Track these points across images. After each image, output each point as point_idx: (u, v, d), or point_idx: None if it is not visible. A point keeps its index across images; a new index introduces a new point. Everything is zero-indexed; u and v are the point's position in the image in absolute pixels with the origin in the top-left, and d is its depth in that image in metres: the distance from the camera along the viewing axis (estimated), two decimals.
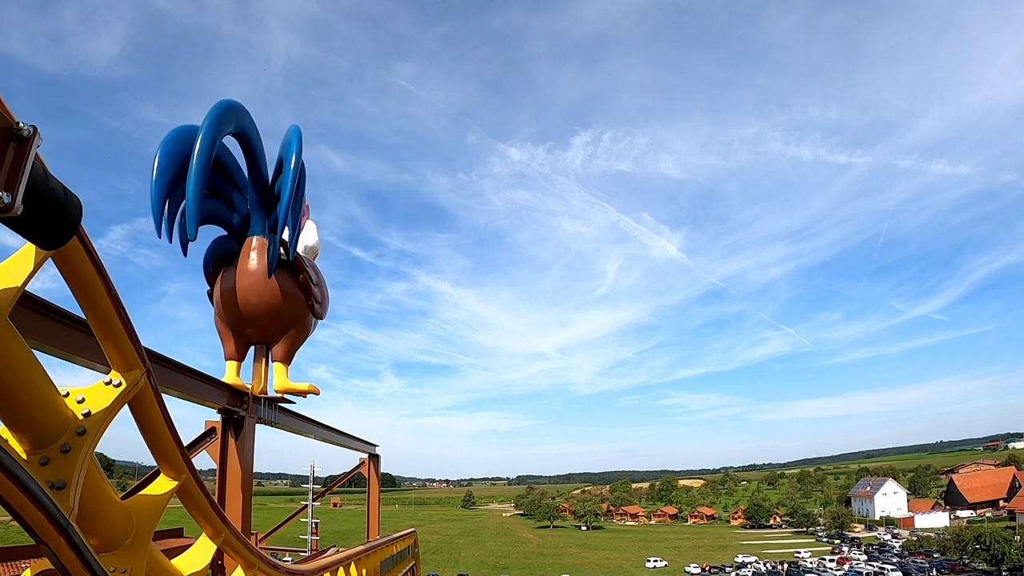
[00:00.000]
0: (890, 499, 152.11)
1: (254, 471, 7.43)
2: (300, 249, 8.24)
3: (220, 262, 7.45)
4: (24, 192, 1.51)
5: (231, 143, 6.94)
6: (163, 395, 5.21)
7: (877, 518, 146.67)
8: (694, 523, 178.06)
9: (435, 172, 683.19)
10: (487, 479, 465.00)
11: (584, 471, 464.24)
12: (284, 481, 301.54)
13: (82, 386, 2.57)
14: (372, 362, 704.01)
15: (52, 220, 1.72)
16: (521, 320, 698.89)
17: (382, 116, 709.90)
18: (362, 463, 13.95)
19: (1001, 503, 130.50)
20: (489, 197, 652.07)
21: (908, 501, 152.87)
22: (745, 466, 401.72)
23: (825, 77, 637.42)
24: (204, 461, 7.29)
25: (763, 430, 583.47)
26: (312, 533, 22.61)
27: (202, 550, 3.67)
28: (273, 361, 7.64)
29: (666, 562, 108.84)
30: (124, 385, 2.54)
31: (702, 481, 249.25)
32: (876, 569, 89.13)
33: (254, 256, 7.12)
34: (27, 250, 2.05)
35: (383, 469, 14.77)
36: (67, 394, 2.42)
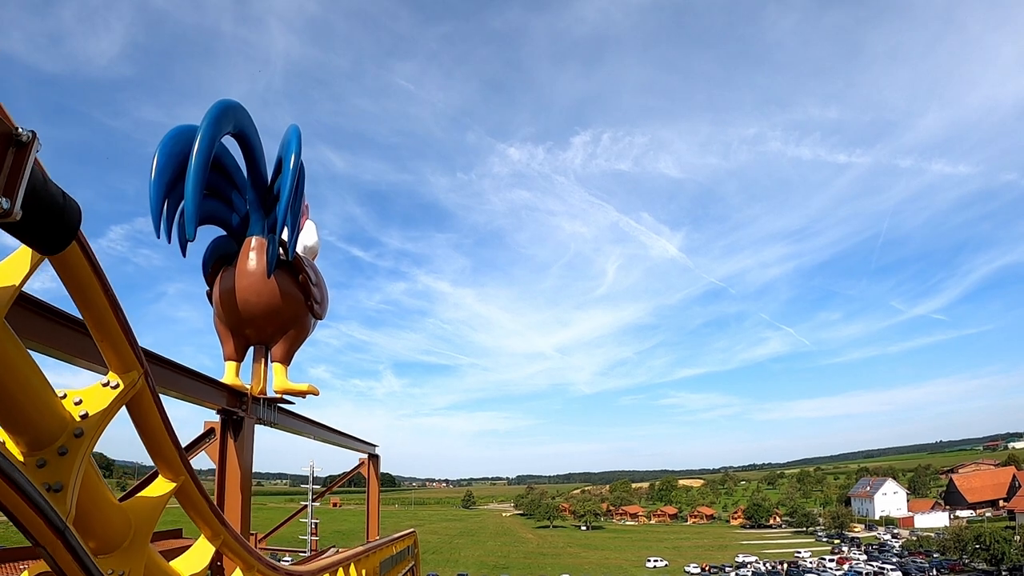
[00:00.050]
0: (890, 499, 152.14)
1: (254, 471, 7.41)
2: (299, 249, 8.22)
3: (219, 262, 7.42)
4: (23, 197, 1.51)
5: (230, 143, 6.91)
6: (162, 396, 5.21)
7: (877, 518, 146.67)
8: (694, 523, 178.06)
9: (435, 172, 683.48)
10: (487, 479, 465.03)
11: (584, 471, 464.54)
12: (284, 481, 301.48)
13: (80, 388, 2.56)
14: (372, 362, 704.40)
15: (51, 225, 1.73)
16: (521, 320, 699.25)
17: (382, 116, 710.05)
18: (362, 463, 13.94)
19: (1001, 503, 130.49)
20: (489, 197, 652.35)
21: (908, 501, 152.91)
22: (745, 466, 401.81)
23: (825, 77, 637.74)
24: (204, 460, 7.29)
25: (763, 430, 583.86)
26: (312, 533, 22.59)
27: (201, 552, 3.66)
28: (272, 361, 7.62)
29: (666, 562, 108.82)
30: (122, 387, 2.53)
31: (702, 481, 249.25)
32: (876, 569, 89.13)
33: (253, 256, 7.09)
34: (24, 250, 2.03)
35: (383, 469, 14.76)
36: (64, 396, 2.41)
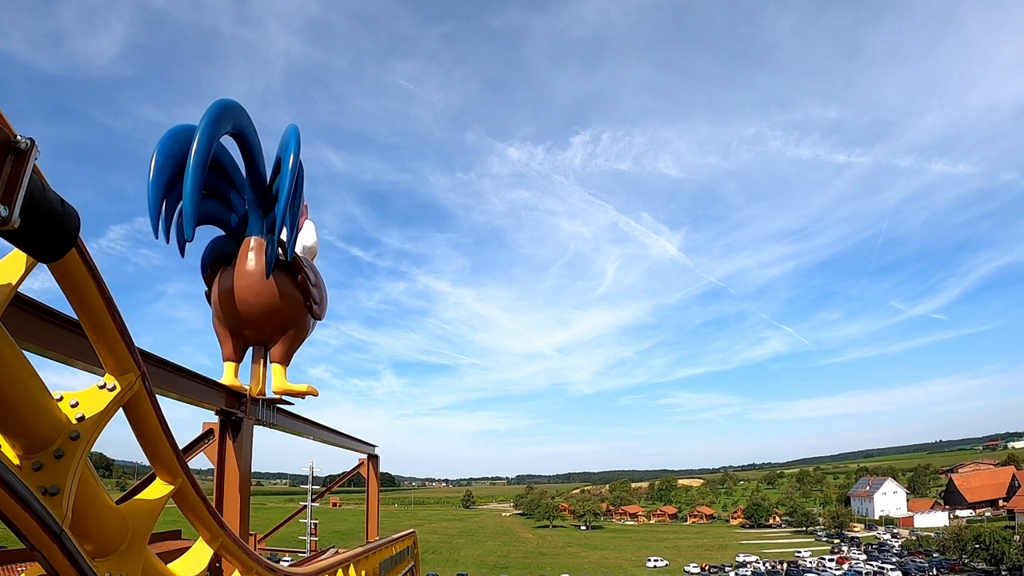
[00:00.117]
0: (889, 499, 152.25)
1: (253, 471, 7.39)
2: (298, 249, 8.20)
3: (218, 263, 7.38)
4: (22, 205, 1.51)
5: (229, 143, 6.89)
6: (160, 397, 5.19)
7: (876, 518, 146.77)
8: (693, 523, 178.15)
9: (434, 172, 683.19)
10: (486, 479, 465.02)
11: (583, 471, 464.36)
12: (284, 481, 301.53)
13: (77, 390, 2.54)
14: (371, 362, 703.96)
15: (50, 233, 1.72)
16: (520, 320, 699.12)
17: (381, 116, 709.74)
18: (361, 463, 13.92)
19: (1000, 503, 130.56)
20: (488, 197, 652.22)
21: (907, 501, 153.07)
22: (744, 465, 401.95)
23: (825, 77, 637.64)
24: (203, 460, 7.27)
25: (762, 429, 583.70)
26: (311, 534, 22.57)
27: (199, 554, 3.64)
28: (271, 362, 7.59)
29: (667, 562, 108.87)
30: (118, 389, 2.51)
31: (701, 481, 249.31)
32: (875, 569, 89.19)
33: (252, 256, 7.07)
34: (20, 251, 2.01)
35: (382, 469, 14.75)
36: (60, 398, 2.39)
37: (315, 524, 22.87)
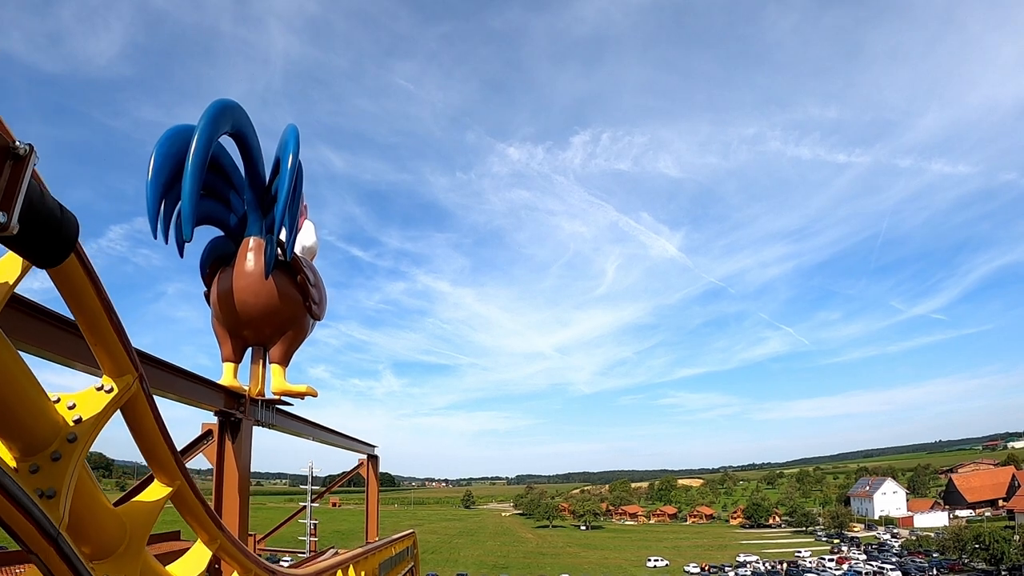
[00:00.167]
0: (889, 499, 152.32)
1: (253, 471, 7.36)
2: (298, 250, 8.17)
3: (217, 263, 7.34)
4: (20, 211, 1.51)
5: (228, 143, 6.86)
6: (159, 398, 5.17)
7: (876, 518, 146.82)
8: (693, 523, 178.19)
9: (434, 172, 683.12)
10: (486, 479, 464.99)
11: (583, 471, 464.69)
12: (283, 480, 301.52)
13: (74, 391, 2.53)
14: (371, 362, 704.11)
15: (49, 239, 1.72)
16: (520, 320, 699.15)
17: (381, 116, 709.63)
18: (361, 464, 13.90)
19: (1000, 503, 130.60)
20: (488, 196, 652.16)
21: (907, 501, 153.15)
22: (744, 465, 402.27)
23: (825, 77, 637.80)
24: (203, 460, 7.25)
25: (762, 430, 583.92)
26: (311, 534, 22.55)
27: (197, 556, 3.62)
28: (270, 363, 7.56)
29: (667, 562, 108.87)
30: (116, 390, 2.49)
31: (701, 481, 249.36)
32: (875, 569, 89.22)
33: (251, 257, 7.04)
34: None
35: (382, 469, 14.73)
36: (58, 400, 2.37)
37: (315, 525, 22.85)
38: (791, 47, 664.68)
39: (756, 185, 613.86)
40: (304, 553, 19.02)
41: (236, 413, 6.72)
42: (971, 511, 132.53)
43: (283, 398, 7.65)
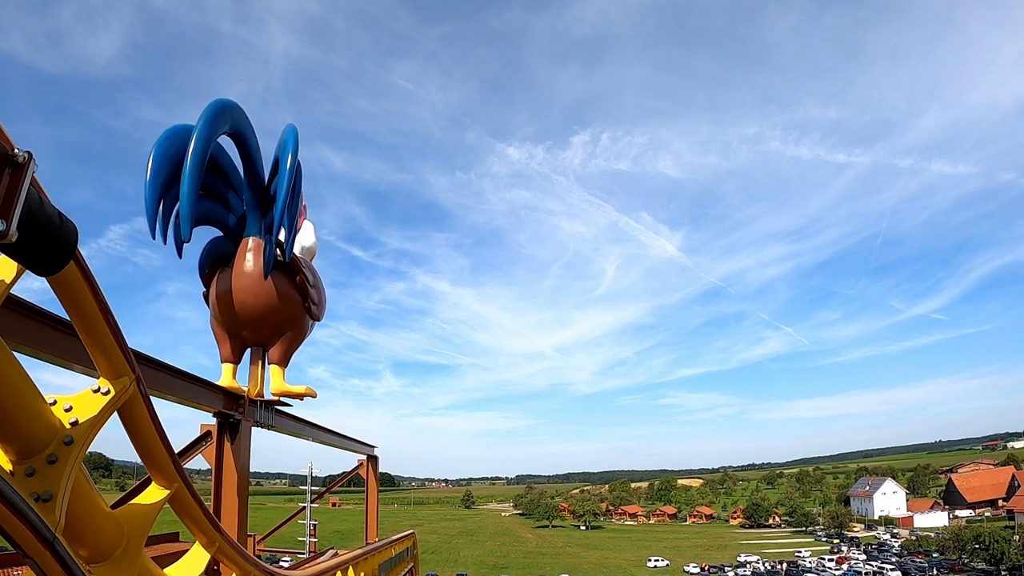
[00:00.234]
0: (889, 499, 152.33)
1: (253, 471, 7.35)
2: (297, 250, 8.16)
3: (216, 263, 7.34)
4: (19, 219, 1.51)
5: (227, 143, 6.85)
6: (158, 399, 5.15)
7: (876, 518, 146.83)
8: (693, 523, 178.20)
9: (434, 171, 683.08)
10: (486, 479, 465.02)
11: (583, 471, 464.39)
12: (283, 481, 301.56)
13: (73, 391, 2.52)
14: (371, 362, 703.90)
15: (47, 247, 1.72)
16: (520, 320, 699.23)
17: (381, 116, 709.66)
18: (360, 464, 13.89)
19: (1000, 503, 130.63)
20: (488, 196, 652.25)
21: (907, 501, 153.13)
22: (744, 465, 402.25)
23: (825, 77, 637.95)
24: (203, 459, 7.23)
25: (762, 429, 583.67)
26: (310, 535, 22.55)
27: (196, 559, 3.60)
28: (269, 363, 7.55)
29: (667, 562, 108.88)
30: (113, 393, 2.48)
31: (701, 481, 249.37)
32: (875, 569, 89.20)
33: (250, 257, 7.03)
34: None
35: (382, 469, 14.72)
36: (54, 402, 2.36)
37: (314, 525, 22.84)
38: (791, 47, 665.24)
39: (756, 185, 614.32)
40: (304, 554, 19.01)
41: (235, 414, 6.71)
42: (971, 511, 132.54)
43: (282, 399, 7.64)
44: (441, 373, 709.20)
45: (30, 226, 1.58)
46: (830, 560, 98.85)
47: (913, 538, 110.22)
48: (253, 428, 7.30)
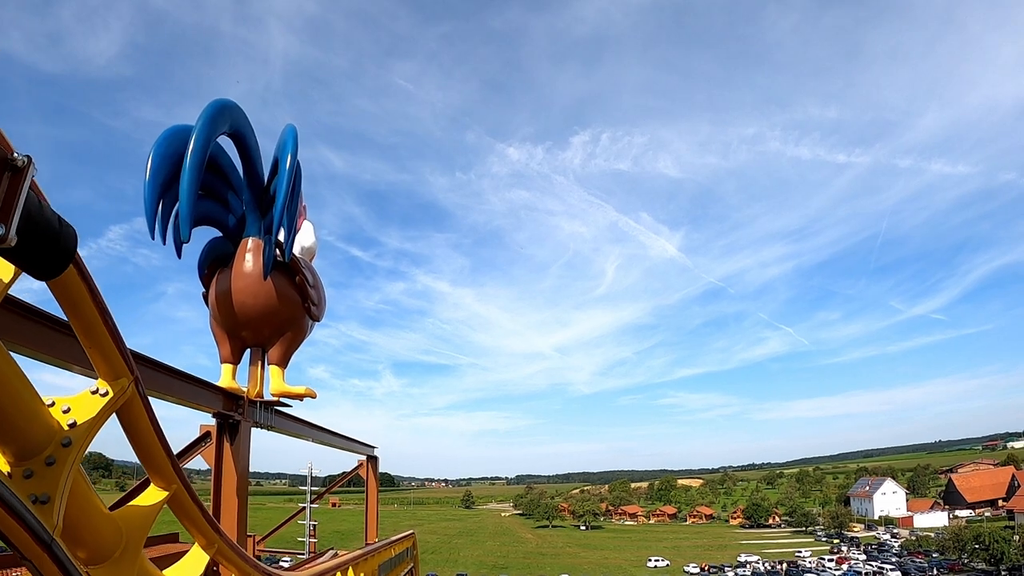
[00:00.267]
0: (889, 499, 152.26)
1: (253, 471, 7.34)
2: (296, 250, 8.15)
3: (215, 264, 7.32)
4: (18, 223, 1.51)
5: (226, 143, 6.84)
6: (157, 400, 5.14)
7: (876, 518, 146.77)
8: (693, 523, 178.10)
9: (434, 172, 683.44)
10: (486, 479, 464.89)
11: (583, 471, 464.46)
12: (283, 481, 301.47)
13: (73, 392, 2.51)
14: (371, 362, 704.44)
15: (47, 251, 1.72)
16: (520, 320, 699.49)
17: (381, 116, 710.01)
18: (360, 465, 13.87)
19: (1000, 503, 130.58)
20: (488, 197, 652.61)
21: (907, 501, 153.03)
22: (744, 466, 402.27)
23: (825, 77, 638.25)
24: (202, 459, 7.21)
25: (762, 430, 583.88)
26: (310, 536, 22.54)
27: (195, 560, 3.59)
28: (269, 364, 7.54)
29: (668, 562, 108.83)
30: (111, 394, 2.47)
31: (701, 481, 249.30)
32: (875, 569, 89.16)
33: (249, 258, 7.01)
34: None
35: (382, 469, 14.70)
36: (52, 404, 2.35)
37: (314, 526, 22.83)
38: (791, 47, 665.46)
39: (756, 185, 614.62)
40: (303, 554, 19.00)
41: (234, 415, 6.69)
42: (971, 511, 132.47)
43: (282, 399, 7.62)
44: (441, 373, 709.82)
45: (29, 230, 1.58)
46: (830, 560, 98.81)
47: (913, 538, 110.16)
48: (253, 429, 7.28)
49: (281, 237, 7.31)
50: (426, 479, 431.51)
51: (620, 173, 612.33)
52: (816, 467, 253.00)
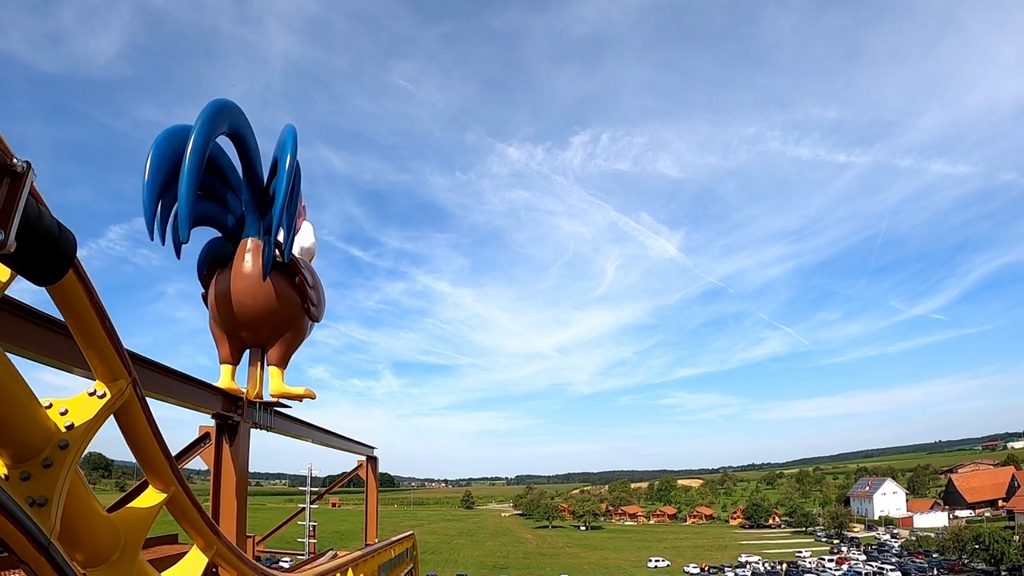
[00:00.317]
0: (889, 499, 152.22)
1: (253, 471, 7.31)
2: (296, 251, 8.13)
3: (214, 264, 7.30)
4: (17, 229, 1.52)
5: (225, 143, 6.82)
6: (156, 401, 5.12)
7: (876, 518, 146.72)
8: (693, 523, 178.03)
9: (434, 172, 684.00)
10: (486, 479, 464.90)
11: (583, 471, 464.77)
12: (283, 481, 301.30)
13: (71, 395, 2.49)
14: (371, 362, 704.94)
15: (46, 257, 1.72)
16: (520, 320, 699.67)
17: (381, 116, 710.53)
18: (360, 466, 13.85)
19: (1000, 503, 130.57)
20: (488, 197, 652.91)
21: (907, 501, 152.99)
22: (744, 466, 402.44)
23: (825, 77, 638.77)
24: (201, 460, 7.19)
25: (762, 430, 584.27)
26: (309, 536, 22.53)
27: (193, 563, 3.58)
28: (268, 365, 7.52)
29: (668, 562, 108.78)
30: (108, 396, 2.46)
31: (701, 481, 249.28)
32: (875, 569, 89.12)
33: (249, 258, 6.99)
34: None
35: (382, 469, 14.67)
36: (50, 405, 2.33)
37: (314, 527, 22.82)
38: (791, 47, 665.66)
39: (756, 185, 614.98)
40: (303, 555, 18.98)
41: (234, 416, 6.67)
42: (971, 511, 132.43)
43: (281, 400, 7.60)
44: (441, 373, 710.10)
45: (28, 236, 1.59)
46: (830, 560, 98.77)
47: (913, 538, 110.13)
48: (252, 430, 7.27)
49: (280, 237, 7.29)
50: (426, 479, 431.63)
51: (620, 173, 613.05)
52: (816, 467, 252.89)
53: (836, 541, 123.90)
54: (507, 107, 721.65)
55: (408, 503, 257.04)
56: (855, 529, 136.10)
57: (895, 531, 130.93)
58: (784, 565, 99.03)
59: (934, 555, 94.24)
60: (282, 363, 7.52)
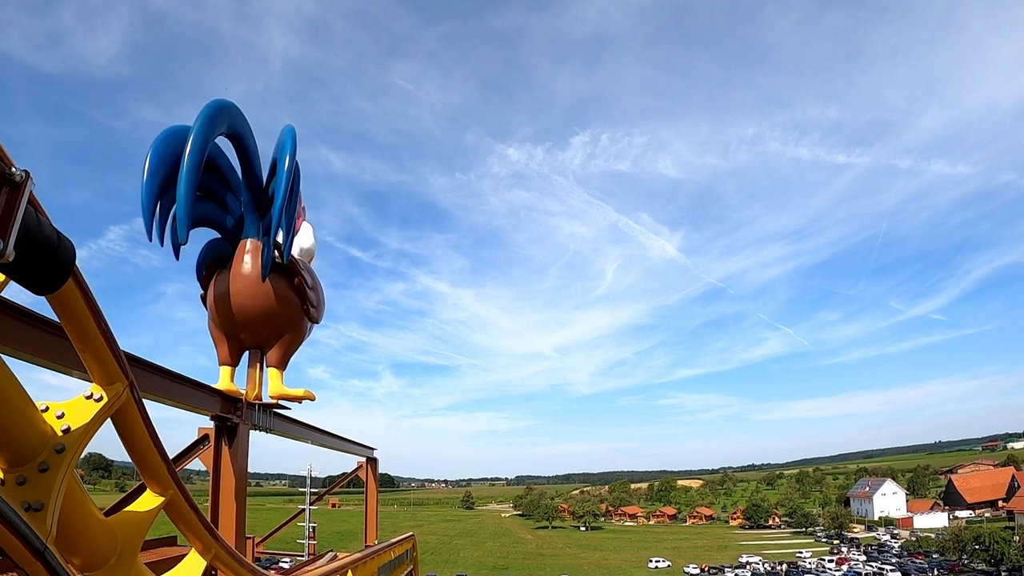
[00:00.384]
0: (889, 499, 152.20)
1: (252, 471, 7.28)
2: (295, 252, 8.11)
3: (213, 265, 7.27)
4: (16, 238, 1.52)
5: (225, 144, 6.80)
6: (154, 403, 5.10)
7: (876, 518, 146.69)
8: (693, 523, 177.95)
9: (433, 172, 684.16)
10: (486, 479, 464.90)
11: (583, 471, 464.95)
12: (283, 481, 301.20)
13: (69, 396, 2.47)
14: (371, 362, 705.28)
15: (45, 266, 1.72)
16: (520, 320, 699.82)
17: (381, 116, 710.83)
18: (360, 466, 13.83)
19: (1000, 503, 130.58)
20: (488, 197, 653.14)
21: (907, 501, 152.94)
22: (744, 466, 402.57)
23: (824, 77, 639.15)
24: (200, 461, 7.16)
25: (762, 430, 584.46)
26: (309, 537, 22.49)
27: (192, 566, 3.56)
28: (268, 366, 7.49)
29: (668, 562, 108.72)
30: (106, 399, 2.44)
31: (701, 481, 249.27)
32: (875, 569, 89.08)
33: (248, 259, 6.97)
34: None
35: (382, 470, 14.64)
36: (46, 409, 2.32)
37: (313, 528, 22.78)
38: (791, 47, 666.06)
39: (755, 185, 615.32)
40: (303, 556, 18.95)
41: (233, 418, 6.65)
42: (971, 512, 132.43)
43: (280, 402, 7.57)
44: (441, 374, 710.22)
45: (27, 245, 1.59)
46: (830, 561, 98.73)
47: (913, 539, 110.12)
48: (251, 431, 7.24)
49: (280, 238, 7.26)
50: (426, 480, 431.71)
51: (620, 173, 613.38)
52: (816, 468, 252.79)
53: (836, 541, 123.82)
54: (507, 107, 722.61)
55: (408, 504, 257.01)
56: (855, 530, 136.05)
57: (895, 531, 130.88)
58: (784, 565, 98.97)
59: (934, 556, 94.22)
60: (281, 364, 7.49)
